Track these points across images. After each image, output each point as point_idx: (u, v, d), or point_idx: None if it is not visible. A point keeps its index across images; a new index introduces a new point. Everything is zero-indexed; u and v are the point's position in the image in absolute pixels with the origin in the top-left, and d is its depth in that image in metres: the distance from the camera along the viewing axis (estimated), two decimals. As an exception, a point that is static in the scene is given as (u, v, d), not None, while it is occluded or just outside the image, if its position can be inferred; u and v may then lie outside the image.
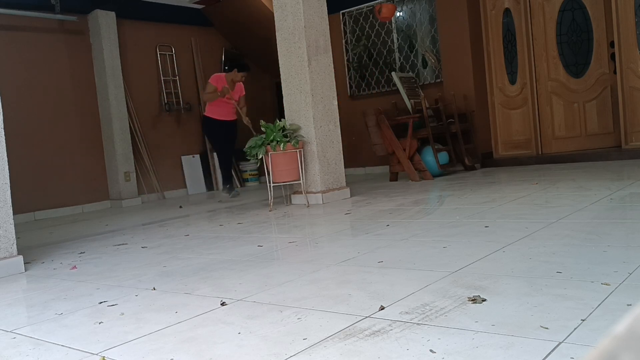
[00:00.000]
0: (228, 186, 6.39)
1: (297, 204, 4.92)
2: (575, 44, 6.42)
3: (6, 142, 3.04)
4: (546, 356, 1.23)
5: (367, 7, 7.64)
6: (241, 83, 6.41)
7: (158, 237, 3.86)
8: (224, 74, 6.39)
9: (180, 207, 5.98)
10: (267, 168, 4.79)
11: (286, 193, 5.37)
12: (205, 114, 6.38)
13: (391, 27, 7.46)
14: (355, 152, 7.65)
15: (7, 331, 1.92)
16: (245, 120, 6.32)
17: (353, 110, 7.56)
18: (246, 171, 8.24)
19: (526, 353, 1.26)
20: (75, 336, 1.78)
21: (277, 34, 5.01)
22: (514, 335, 1.37)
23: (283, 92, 5.05)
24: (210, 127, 6.40)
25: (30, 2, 6.38)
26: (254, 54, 8.57)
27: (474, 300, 1.67)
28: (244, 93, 6.50)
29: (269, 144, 4.67)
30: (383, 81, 7.65)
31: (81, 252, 3.55)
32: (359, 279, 2.10)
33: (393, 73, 6.73)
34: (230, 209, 5.24)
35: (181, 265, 2.78)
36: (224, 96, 6.16)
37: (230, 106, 6.32)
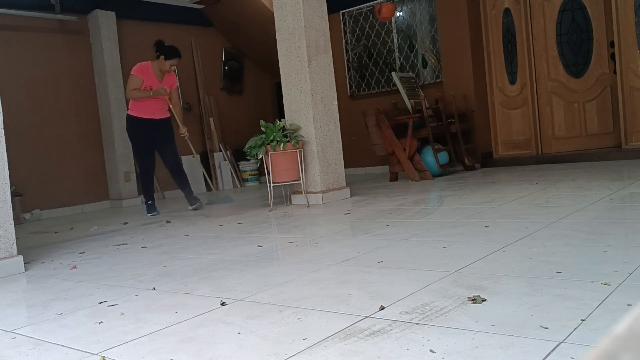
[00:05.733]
0: (150, 202, 5.34)
1: (297, 204, 4.92)
2: (575, 43, 6.42)
3: (6, 142, 3.04)
4: (546, 356, 1.23)
5: (367, 7, 7.64)
6: (173, 74, 5.28)
7: (158, 237, 3.86)
8: (150, 62, 5.16)
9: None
10: (267, 168, 4.79)
11: (286, 193, 5.37)
12: (129, 112, 5.22)
13: (391, 27, 7.46)
14: (355, 152, 7.65)
15: (7, 331, 1.92)
16: (183, 130, 5.26)
17: (353, 110, 7.55)
18: (246, 171, 8.24)
19: (526, 353, 1.26)
20: (75, 336, 1.78)
21: (277, 34, 5.01)
22: (514, 335, 1.37)
23: (283, 92, 5.05)
24: (134, 127, 5.21)
25: (30, 2, 6.37)
26: (254, 54, 8.58)
27: (474, 300, 1.67)
28: (176, 86, 5.29)
29: (269, 144, 4.67)
30: (383, 81, 7.65)
31: (81, 252, 3.55)
32: (359, 279, 2.09)
33: (393, 73, 6.73)
34: (229, 209, 5.23)
35: (181, 265, 2.78)
36: (160, 96, 5.09)
37: (160, 101, 5.18)
